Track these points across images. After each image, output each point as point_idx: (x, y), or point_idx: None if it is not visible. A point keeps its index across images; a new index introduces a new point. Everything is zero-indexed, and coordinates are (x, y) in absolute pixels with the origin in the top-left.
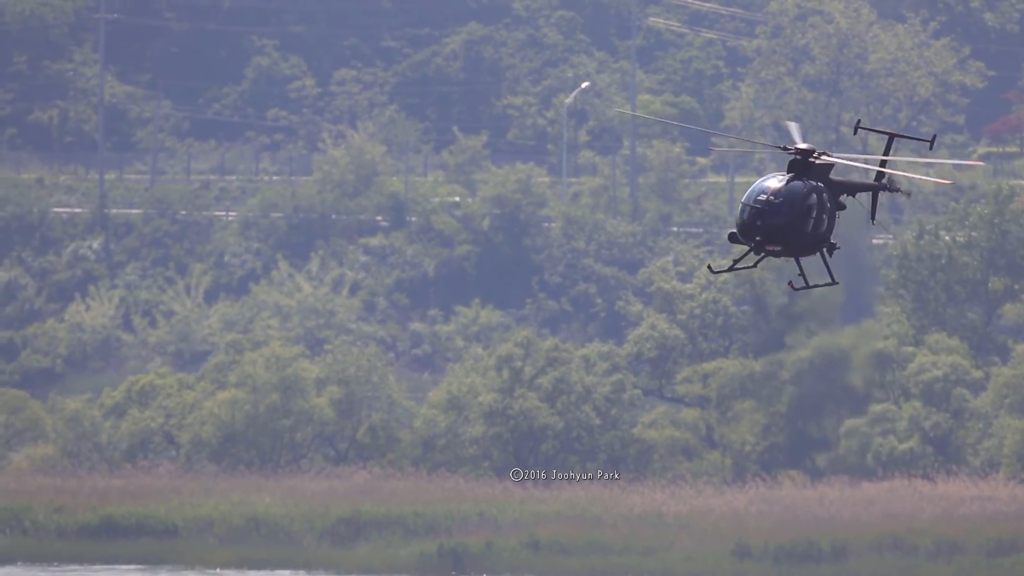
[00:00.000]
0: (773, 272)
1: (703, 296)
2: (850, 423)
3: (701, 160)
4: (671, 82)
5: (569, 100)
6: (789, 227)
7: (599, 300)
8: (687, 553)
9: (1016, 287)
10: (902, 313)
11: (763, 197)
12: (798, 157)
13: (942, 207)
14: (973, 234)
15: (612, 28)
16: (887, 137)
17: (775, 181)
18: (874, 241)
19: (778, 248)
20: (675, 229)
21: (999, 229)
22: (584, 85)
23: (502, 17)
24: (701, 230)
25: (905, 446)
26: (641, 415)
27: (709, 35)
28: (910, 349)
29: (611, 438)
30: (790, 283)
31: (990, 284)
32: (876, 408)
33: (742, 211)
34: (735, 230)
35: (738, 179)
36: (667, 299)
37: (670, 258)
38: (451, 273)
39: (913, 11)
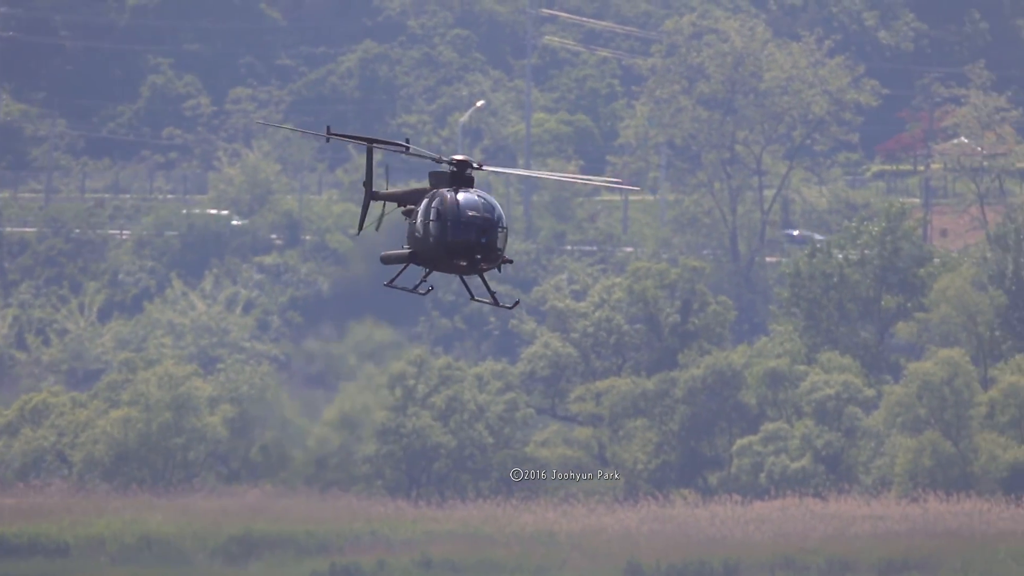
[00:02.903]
0: (665, 291)
1: (596, 315)
2: (742, 442)
3: (596, 179)
4: (566, 100)
5: (464, 118)
6: (502, 242)
7: (492, 318)
8: (579, 572)
9: (909, 305)
10: (794, 331)
11: (475, 213)
12: (456, 169)
13: (835, 225)
14: (866, 252)
15: (507, 46)
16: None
17: (472, 195)
18: (767, 259)
19: (490, 265)
20: (569, 248)
21: (891, 247)
22: (479, 103)
23: (397, 35)
24: (595, 248)
25: (797, 465)
26: (534, 434)
27: (604, 53)
28: (802, 367)
29: (504, 457)
30: (515, 304)
31: (883, 302)
32: (768, 427)
33: (458, 228)
34: (412, 250)
35: (632, 198)
36: (560, 317)
37: (564, 276)
38: (345, 291)
39: (808, 29)
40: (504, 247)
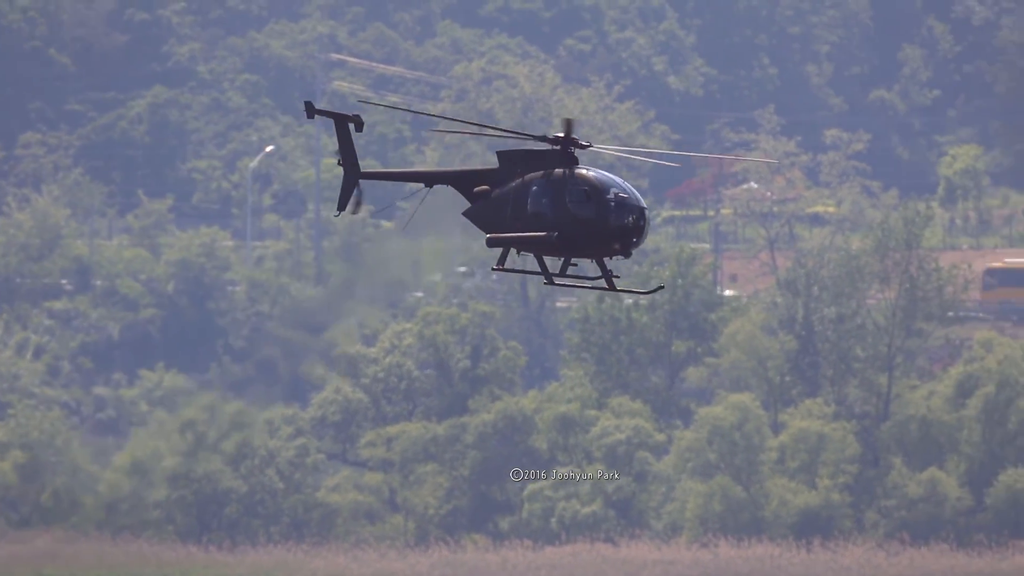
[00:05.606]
0: (455, 336)
1: (387, 360)
2: (533, 487)
3: (386, 224)
4: (355, 146)
5: (254, 164)
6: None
7: (283, 364)
8: None
9: (699, 350)
10: (585, 376)
11: (627, 195)
12: (558, 147)
13: (625, 270)
14: (655, 297)
15: (297, 92)
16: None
17: (612, 176)
18: (558, 304)
19: (635, 249)
20: (360, 293)
21: (682, 292)
22: (269, 149)
23: (187, 80)
24: (385, 293)
25: (588, 510)
26: (325, 479)
27: (394, 99)
28: (593, 412)
29: (294, 502)
30: (659, 288)
31: (673, 347)
32: (559, 471)
33: (617, 210)
34: (551, 233)
35: (424, 243)
36: (351, 363)
37: (354, 321)
38: (136, 337)
39: (597, 75)
40: None
